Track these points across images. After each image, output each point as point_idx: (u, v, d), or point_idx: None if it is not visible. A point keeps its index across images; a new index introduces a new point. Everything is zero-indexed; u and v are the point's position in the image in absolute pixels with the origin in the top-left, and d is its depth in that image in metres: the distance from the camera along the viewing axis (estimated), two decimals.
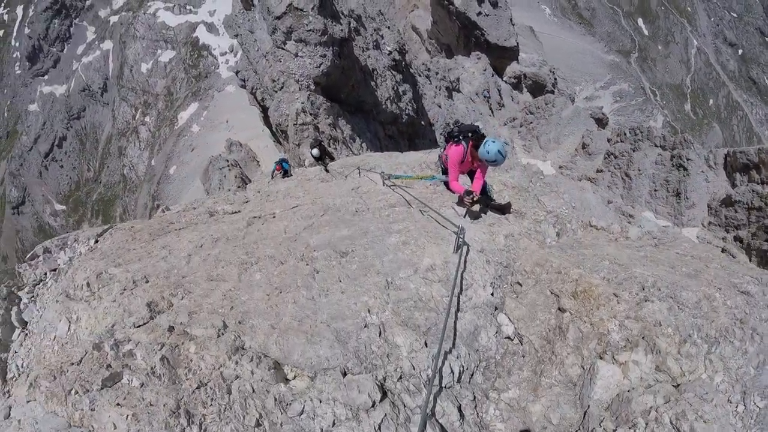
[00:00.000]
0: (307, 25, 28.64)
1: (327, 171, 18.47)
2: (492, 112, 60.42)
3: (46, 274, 7.12)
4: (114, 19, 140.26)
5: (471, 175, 8.69)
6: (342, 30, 30.87)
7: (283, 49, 29.57)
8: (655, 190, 30.07)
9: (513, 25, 72.55)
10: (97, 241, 8.29)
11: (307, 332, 4.53)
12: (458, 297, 5.31)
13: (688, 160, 28.33)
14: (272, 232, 7.55)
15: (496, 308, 5.43)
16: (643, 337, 4.43)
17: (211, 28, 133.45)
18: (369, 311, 4.88)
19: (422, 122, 42.27)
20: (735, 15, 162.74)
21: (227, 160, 50.79)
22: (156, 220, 9.88)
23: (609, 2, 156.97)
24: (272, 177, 24.57)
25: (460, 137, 8.10)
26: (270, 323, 4.74)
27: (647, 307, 4.68)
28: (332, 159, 22.88)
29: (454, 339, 4.70)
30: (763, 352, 4.27)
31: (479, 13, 67.94)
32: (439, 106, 48.72)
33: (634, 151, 32.82)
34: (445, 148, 8.95)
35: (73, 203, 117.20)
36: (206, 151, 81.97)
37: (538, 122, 54.82)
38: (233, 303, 5.22)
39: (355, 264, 5.97)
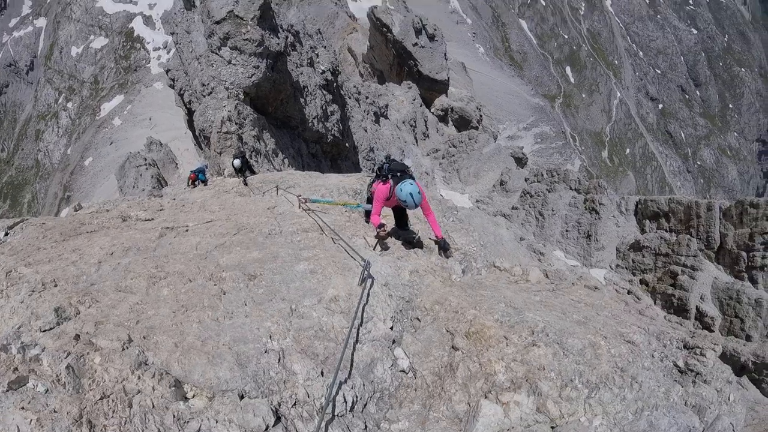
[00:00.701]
0: (244, 33, 28.54)
1: (246, 184, 18.48)
2: (416, 141, 61.28)
3: None
4: None
5: (395, 209, 9.06)
6: (279, 44, 30.90)
7: (217, 54, 29.37)
8: (567, 231, 31.12)
9: (446, 59, 73.96)
10: (6, 234, 8.20)
11: (209, 353, 4.58)
12: (358, 329, 5.47)
13: (600, 204, 29.50)
14: (184, 247, 7.59)
15: (394, 341, 5.61)
16: (526, 380, 4.68)
17: (148, 21, 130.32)
18: (270, 337, 4.97)
19: (347, 144, 42.44)
20: (659, 71, 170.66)
21: (145, 159, 49.70)
22: (68, 219, 9.75)
23: (541, 48, 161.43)
24: (188, 185, 24.27)
25: (388, 175, 8.31)
26: (174, 341, 4.76)
27: (534, 352, 4.97)
28: (252, 173, 22.75)
29: (351, 369, 4.83)
30: (641, 399, 4.58)
31: (415, 44, 69.07)
32: (365, 130, 49.09)
33: (549, 191, 33.90)
34: (373, 181, 9.05)
35: None
36: (125, 147, 79.92)
37: (460, 156, 55.93)
38: (139, 317, 5.23)
39: (262, 288, 6.07)
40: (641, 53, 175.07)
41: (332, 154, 40.53)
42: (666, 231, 25.54)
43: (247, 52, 28.77)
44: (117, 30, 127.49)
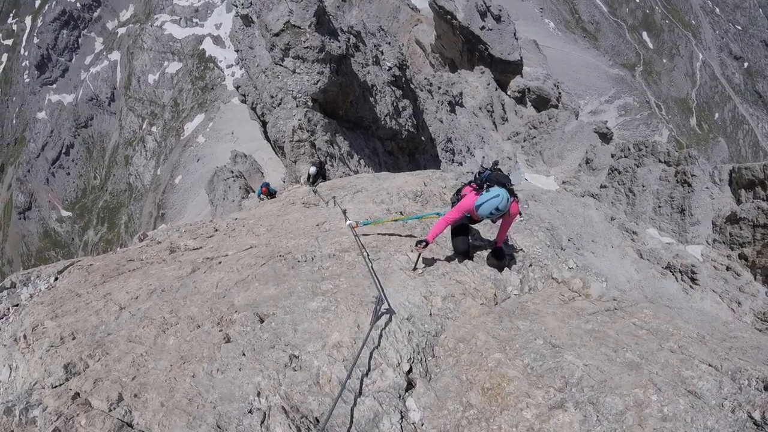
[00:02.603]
0: (304, 42, 28.52)
1: (315, 192, 18.36)
2: (495, 126, 60.33)
3: (9, 309, 7.10)
4: (122, 30, 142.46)
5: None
6: (340, 47, 30.76)
7: (281, 65, 29.48)
8: (659, 207, 29.81)
9: (517, 39, 72.47)
10: (56, 279, 8.22)
11: (191, 414, 4.26)
12: (361, 380, 4.92)
13: (692, 176, 28.08)
14: (206, 285, 7.27)
15: (409, 387, 5.02)
16: None
17: (217, 40, 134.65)
18: (259, 394, 4.55)
19: (423, 138, 42.03)
20: (740, 28, 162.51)
21: (232, 171, 51.08)
22: (116, 257, 9.72)
23: (613, 16, 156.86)
24: (259, 197, 25.05)
25: (484, 185, 7.46)
26: (162, 399, 4.50)
27: (557, 417, 4.16)
28: (324, 179, 22.77)
29: (350, 427, 4.32)
30: None
31: (482, 27, 67.91)
32: (441, 121, 48.54)
33: (638, 166, 32.59)
34: (465, 186, 8.24)
35: (79, 210, 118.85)
36: (211, 162, 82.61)
37: (542, 137, 54.72)
38: (138, 371, 5.03)
39: (268, 332, 5.62)
40: (717, 10, 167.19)
41: (409, 149, 40.17)
42: (763, 200, 23.97)
43: (309, 60, 28.74)
44: (189, 53, 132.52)
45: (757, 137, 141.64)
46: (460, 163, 46.88)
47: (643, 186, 31.25)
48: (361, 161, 31.45)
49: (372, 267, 7.09)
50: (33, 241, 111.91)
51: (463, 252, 8.04)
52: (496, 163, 8.59)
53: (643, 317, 6.12)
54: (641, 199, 31.03)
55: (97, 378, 4.87)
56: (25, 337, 6.01)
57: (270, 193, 28.40)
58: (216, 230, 11.91)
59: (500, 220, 7.57)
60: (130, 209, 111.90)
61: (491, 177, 7.57)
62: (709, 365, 4.73)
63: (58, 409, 4.26)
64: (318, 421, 4.38)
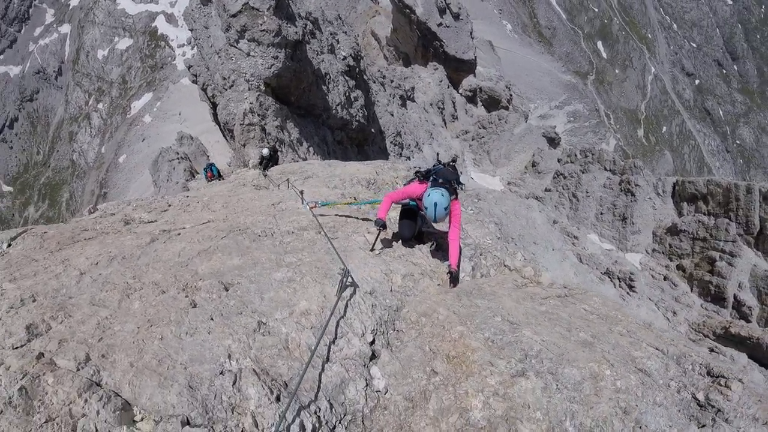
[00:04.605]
0: (261, 25, 28.25)
1: (265, 176, 18.18)
2: (445, 123, 60.68)
3: None
4: (74, 2, 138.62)
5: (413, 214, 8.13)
6: (297, 32, 30.54)
7: (235, 47, 29.14)
8: (602, 213, 30.39)
9: (473, 38, 73.13)
10: (9, 245, 8.03)
11: (162, 374, 4.23)
12: (329, 346, 4.99)
13: (636, 185, 28.69)
14: (168, 253, 7.21)
15: (372, 357, 5.10)
16: (506, 420, 4.09)
17: (170, 18, 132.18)
18: (230, 357, 4.56)
19: (373, 130, 42.12)
20: (695, 45, 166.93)
21: (177, 153, 50.23)
22: (70, 226, 9.57)
23: (571, 23, 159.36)
24: (207, 180, 24.87)
25: (430, 177, 7.53)
26: (131, 360, 4.44)
27: (520, 384, 4.37)
28: (275, 164, 22.59)
29: (317, 392, 4.39)
30: None
31: (440, 24, 68.32)
32: (392, 115, 48.65)
33: (583, 172, 33.17)
34: (412, 180, 8.23)
35: (21, 185, 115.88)
36: (157, 142, 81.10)
37: (490, 137, 55.28)
38: (104, 333, 4.93)
39: (234, 300, 5.63)
40: (675, 26, 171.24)
41: (358, 140, 40.29)
42: (704, 214, 24.70)
43: (265, 43, 28.47)
44: (141, 30, 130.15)
45: (702, 153, 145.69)
46: (408, 158, 47.09)
47: (587, 192, 31.80)
48: (311, 149, 31.37)
49: (333, 244, 7.17)
50: None
51: (407, 238, 8.07)
52: (454, 159, 8.58)
53: (592, 304, 6.43)
54: (584, 204, 31.58)
55: (62, 339, 4.81)
56: None
57: (215, 176, 28.04)
58: (169, 205, 11.86)
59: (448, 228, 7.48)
60: (72, 187, 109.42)
61: (440, 171, 7.67)
62: (656, 349, 5.06)
63: (22, 368, 4.16)
64: (287, 385, 4.43)
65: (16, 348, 4.64)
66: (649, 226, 27.61)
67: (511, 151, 51.99)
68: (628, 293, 22.87)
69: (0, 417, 3.63)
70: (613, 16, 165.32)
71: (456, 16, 71.34)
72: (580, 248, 25.92)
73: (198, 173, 44.45)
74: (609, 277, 23.73)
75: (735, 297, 21.64)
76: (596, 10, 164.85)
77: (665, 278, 24.28)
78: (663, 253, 26.06)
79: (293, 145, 29.46)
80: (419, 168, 9.59)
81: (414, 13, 68.13)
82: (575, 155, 35.28)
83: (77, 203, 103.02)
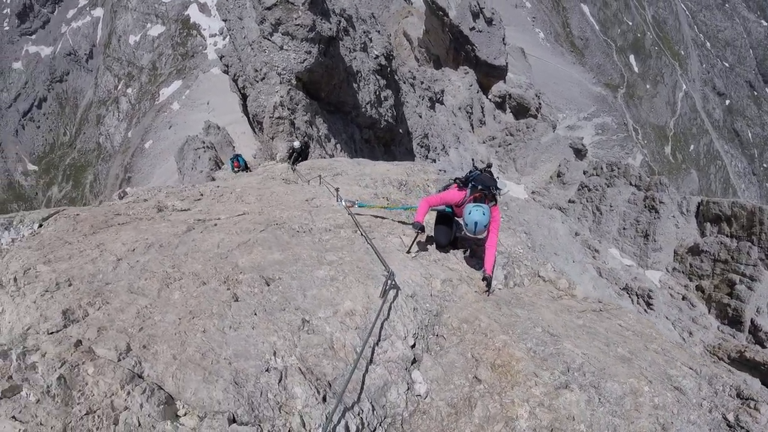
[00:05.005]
0: (295, 19, 28.26)
1: (294, 171, 18.14)
2: (473, 128, 60.43)
3: None
4: None
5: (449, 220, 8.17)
6: (330, 28, 30.55)
7: (269, 40, 29.17)
8: (624, 228, 30.12)
9: (505, 44, 72.74)
10: (41, 225, 7.99)
11: (206, 368, 4.21)
12: (373, 348, 5.00)
13: (660, 203, 28.40)
14: (207, 244, 7.20)
15: (414, 362, 5.10)
16: (551, 431, 4.12)
17: (203, 8, 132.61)
18: (275, 353, 4.55)
19: (400, 130, 42.02)
20: (727, 65, 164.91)
21: (203, 142, 50.35)
22: (102, 209, 9.52)
23: (604, 35, 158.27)
24: (234, 171, 24.93)
25: (469, 184, 7.54)
26: (173, 352, 4.41)
27: (564, 396, 4.39)
28: (305, 159, 22.57)
29: (360, 393, 4.39)
30: None
31: (473, 29, 68.02)
32: (420, 116, 48.50)
33: (608, 186, 32.90)
34: (450, 185, 8.17)
35: (46, 165, 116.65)
36: (184, 130, 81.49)
37: (517, 144, 54.96)
38: (144, 323, 4.88)
39: (277, 296, 5.62)
40: (708, 44, 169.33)
41: (385, 139, 40.19)
42: (727, 236, 24.33)
43: (298, 38, 28.48)
44: (173, 18, 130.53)
45: (728, 174, 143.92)
46: (434, 160, 46.90)
47: (611, 206, 31.53)
48: (338, 146, 31.36)
49: (374, 241, 7.30)
50: None
51: (442, 245, 8.13)
52: (489, 165, 8.54)
53: (627, 320, 6.47)
54: (607, 218, 31.31)
55: (101, 326, 4.73)
56: (15, 280, 5.68)
57: (241, 167, 28.08)
58: (202, 194, 11.83)
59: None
60: (97, 169, 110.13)
61: (478, 177, 7.62)
62: (690, 368, 5.12)
63: (60, 355, 4.07)
64: (330, 385, 4.44)
65: (51, 333, 4.55)
66: (671, 244, 27.31)
67: (537, 160, 51.66)
68: (645, 310, 22.66)
69: (37, 406, 3.52)
70: (646, 30, 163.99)
71: (489, 22, 71.02)
72: (600, 262, 25.72)
73: (223, 163, 44.60)
74: (627, 293, 23.53)
75: (752, 321, 21.36)
76: (630, 23, 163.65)
77: (684, 298, 24.02)
78: (683, 272, 25.78)
79: (321, 141, 29.47)
80: (450, 173, 9.54)
81: (447, 16, 67.89)
82: (601, 168, 34.99)
83: (101, 185, 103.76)
